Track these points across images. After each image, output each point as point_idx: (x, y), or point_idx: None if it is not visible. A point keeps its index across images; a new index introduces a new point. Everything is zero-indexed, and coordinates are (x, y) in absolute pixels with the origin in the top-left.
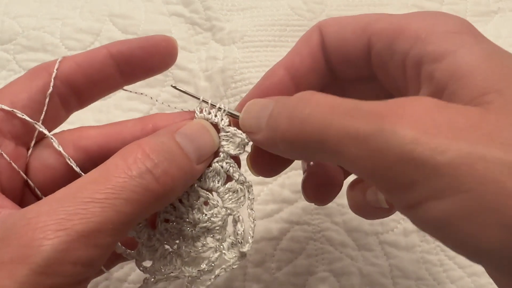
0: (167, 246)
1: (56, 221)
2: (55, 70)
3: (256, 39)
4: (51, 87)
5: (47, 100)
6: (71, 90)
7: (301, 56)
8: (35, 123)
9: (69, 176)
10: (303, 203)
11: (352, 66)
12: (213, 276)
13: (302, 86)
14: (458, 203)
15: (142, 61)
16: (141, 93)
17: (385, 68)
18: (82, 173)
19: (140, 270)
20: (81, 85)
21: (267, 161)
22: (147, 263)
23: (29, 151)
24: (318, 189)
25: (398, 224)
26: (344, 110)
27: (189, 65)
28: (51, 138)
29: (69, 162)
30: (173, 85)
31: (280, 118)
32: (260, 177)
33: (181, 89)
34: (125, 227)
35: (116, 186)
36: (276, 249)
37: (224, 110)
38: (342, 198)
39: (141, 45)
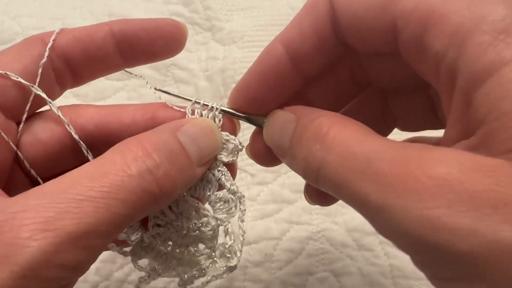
0: (162, 248)
1: (45, 219)
2: (51, 41)
3: (256, 39)
4: (45, 57)
5: (40, 70)
6: (67, 65)
7: (303, 32)
8: (32, 86)
9: (63, 153)
10: (303, 203)
11: (373, 45)
12: (204, 282)
13: (305, 67)
14: None
15: (144, 43)
16: (140, 76)
17: (415, 60)
18: (87, 150)
19: (136, 268)
20: (78, 60)
21: (267, 152)
22: (143, 262)
23: (21, 125)
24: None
25: None
26: (356, 166)
27: (189, 65)
28: (50, 103)
29: (73, 135)
30: (157, 88)
31: (298, 151)
32: (260, 177)
33: (167, 91)
34: (118, 229)
35: (113, 184)
36: (276, 249)
37: (217, 109)
38: None
39: (146, 27)
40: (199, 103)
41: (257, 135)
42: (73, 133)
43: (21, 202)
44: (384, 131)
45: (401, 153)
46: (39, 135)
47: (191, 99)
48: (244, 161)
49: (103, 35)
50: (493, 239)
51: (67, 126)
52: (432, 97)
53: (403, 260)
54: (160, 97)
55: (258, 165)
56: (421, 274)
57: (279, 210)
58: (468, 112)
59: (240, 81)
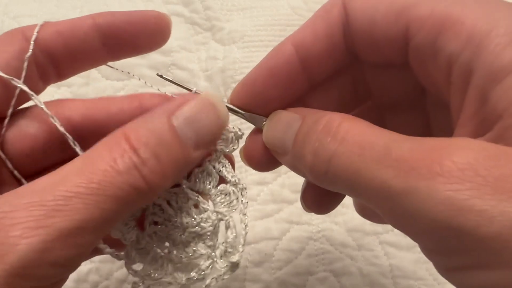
0: (158, 250)
1: (35, 217)
2: (35, 33)
3: (256, 39)
4: (30, 50)
5: (25, 64)
6: (50, 59)
7: (315, 34)
8: (13, 79)
9: (50, 146)
10: None
11: (382, 52)
12: (204, 286)
13: (313, 70)
14: (504, 277)
15: (129, 36)
16: (122, 71)
17: (425, 65)
18: (74, 142)
19: (130, 273)
20: (61, 55)
21: (262, 155)
22: (138, 266)
23: (6, 120)
24: (320, 198)
25: None
26: (374, 155)
27: (189, 65)
28: (32, 96)
29: (58, 127)
30: (159, 74)
31: (305, 148)
32: (260, 177)
33: (168, 78)
34: (108, 225)
35: (101, 181)
36: (276, 249)
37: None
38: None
39: (130, 19)
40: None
41: (255, 135)
42: (58, 125)
43: (11, 201)
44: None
45: (422, 142)
46: (25, 129)
47: (191, 88)
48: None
49: (86, 28)
50: None
51: (50, 118)
52: (429, 115)
53: (403, 260)
54: (158, 89)
55: None
56: (421, 274)
57: (279, 210)
58: (483, 109)
59: (246, 76)
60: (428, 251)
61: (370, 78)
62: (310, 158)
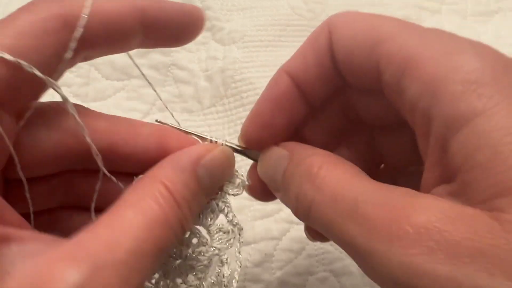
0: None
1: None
2: (79, 28)
3: (256, 39)
4: (70, 51)
5: (64, 66)
6: (83, 43)
7: (306, 63)
8: (48, 78)
9: (60, 161)
10: None
11: (362, 80)
12: None
13: (310, 96)
14: None
15: (171, 26)
16: (144, 76)
17: (394, 100)
18: (97, 153)
19: None
20: (97, 36)
21: (263, 187)
22: None
23: (22, 121)
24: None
25: None
26: (344, 207)
27: (189, 65)
28: (71, 109)
29: (87, 141)
30: (158, 120)
31: (290, 190)
32: None
33: (172, 125)
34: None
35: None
36: (276, 249)
37: (222, 145)
38: None
39: (179, 9)
40: (205, 139)
41: (253, 169)
42: (86, 138)
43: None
44: (373, 168)
45: (387, 198)
46: (39, 142)
47: (205, 136)
48: (244, 160)
49: (128, 7)
50: (471, 287)
51: (80, 129)
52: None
53: None
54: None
55: None
56: None
57: (279, 210)
58: (445, 158)
59: (252, 110)
60: None
61: (356, 101)
62: (293, 202)
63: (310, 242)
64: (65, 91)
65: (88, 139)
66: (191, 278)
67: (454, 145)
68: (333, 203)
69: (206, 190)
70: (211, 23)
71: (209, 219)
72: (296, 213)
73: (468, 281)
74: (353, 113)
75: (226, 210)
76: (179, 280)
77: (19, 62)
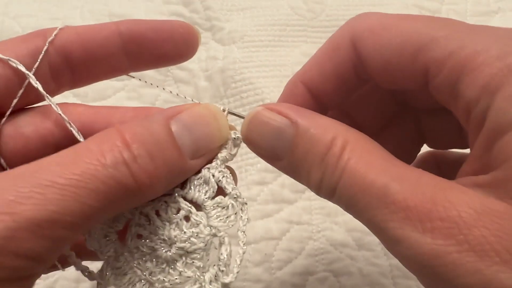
0: (138, 271)
1: (3, 202)
2: (53, 35)
3: (256, 39)
4: (44, 50)
5: (37, 61)
6: (65, 61)
7: (324, 74)
8: (28, 74)
9: (44, 150)
10: (303, 203)
11: (404, 85)
12: None
13: (326, 105)
14: None
15: (153, 45)
16: (139, 79)
17: (446, 101)
18: (80, 134)
19: None
20: (78, 57)
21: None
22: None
23: (5, 116)
24: None
25: None
26: (373, 193)
27: (189, 65)
28: (47, 97)
29: (69, 126)
30: (229, 109)
31: (303, 167)
32: (260, 177)
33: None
34: (86, 222)
35: (84, 173)
36: (276, 249)
37: (224, 110)
38: None
39: (155, 27)
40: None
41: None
42: (66, 121)
43: None
44: (414, 148)
45: (419, 186)
46: (22, 129)
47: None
48: (244, 161)
49: (108, 33)
50: (493, 279)
51: (59, 114)
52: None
53: None
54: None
55: (258, 165)
56: None
57: (279, 210)
58: (488, 154)
59: None
60: (421, 282)
61: (398, 95)
62: (315, 182)
63: (310, 242)
64: (63, 91)
65: (61, 113)
66: (189, 268)
67: (499, 145)
68: (362, 188)
69: (188, 151)
70: (211, 23)
71: (203, 193)
72: (318, 192)
73: (494, 279)
74: (400, 98)
75: (224, 182)
76: (175, 272)
77: (28, 75)
